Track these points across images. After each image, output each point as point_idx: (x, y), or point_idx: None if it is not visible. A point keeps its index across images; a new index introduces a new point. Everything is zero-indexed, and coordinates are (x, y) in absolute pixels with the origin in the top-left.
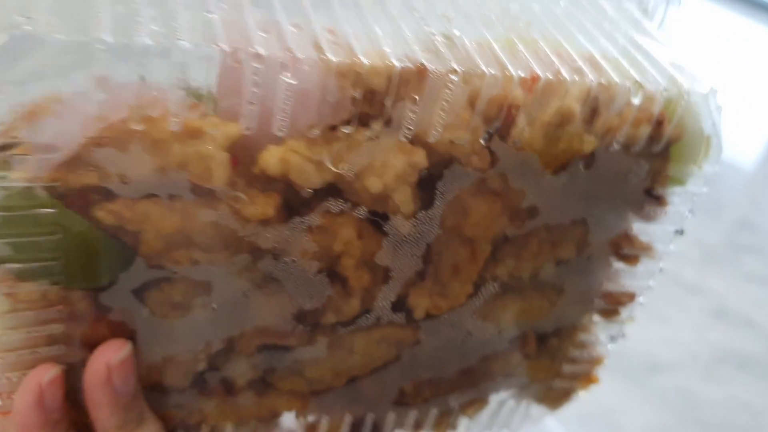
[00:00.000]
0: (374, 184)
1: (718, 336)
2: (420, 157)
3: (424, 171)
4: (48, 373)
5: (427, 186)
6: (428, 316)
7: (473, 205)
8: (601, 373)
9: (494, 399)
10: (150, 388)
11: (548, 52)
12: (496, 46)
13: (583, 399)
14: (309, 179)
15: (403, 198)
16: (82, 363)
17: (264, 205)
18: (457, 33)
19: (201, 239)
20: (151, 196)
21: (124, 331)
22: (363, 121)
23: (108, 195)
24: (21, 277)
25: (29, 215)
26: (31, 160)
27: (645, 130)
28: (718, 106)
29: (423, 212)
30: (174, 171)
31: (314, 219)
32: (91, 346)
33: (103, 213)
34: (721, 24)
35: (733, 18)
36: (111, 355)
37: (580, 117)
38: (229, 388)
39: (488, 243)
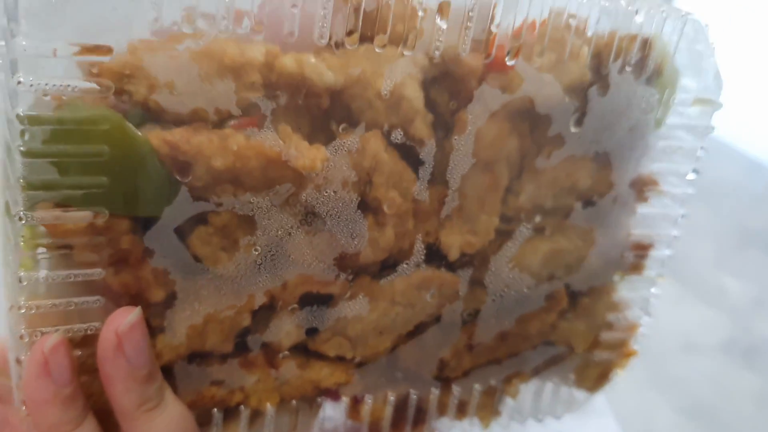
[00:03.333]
0: (384, 85)
1: (758, 324)
2: (422, 59)
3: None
4: (50, 339)
5: (459, 110)
6: (465, 262)
7: (496, 127)
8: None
9: (534, 384)
10: (190, 358)
11: None
12: None
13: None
14: (322, 76)
15: (414, 94)
16: None
17: (313, 158)
18: None
19: (247, 169)
20: (198, 115)
21: (165, 283)
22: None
23: (159, 115)
24: (64, 203)
25: (80, 130)
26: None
27: (633, 46)
28: (711, 43)
29: (456, 138)
30: (218, 79)
31: (352, 142)
32: (130, 299)
33: (158, 142)
34: None
35: None
36: (119, 320)
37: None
38: (271, 357)
39: (505, 167)
